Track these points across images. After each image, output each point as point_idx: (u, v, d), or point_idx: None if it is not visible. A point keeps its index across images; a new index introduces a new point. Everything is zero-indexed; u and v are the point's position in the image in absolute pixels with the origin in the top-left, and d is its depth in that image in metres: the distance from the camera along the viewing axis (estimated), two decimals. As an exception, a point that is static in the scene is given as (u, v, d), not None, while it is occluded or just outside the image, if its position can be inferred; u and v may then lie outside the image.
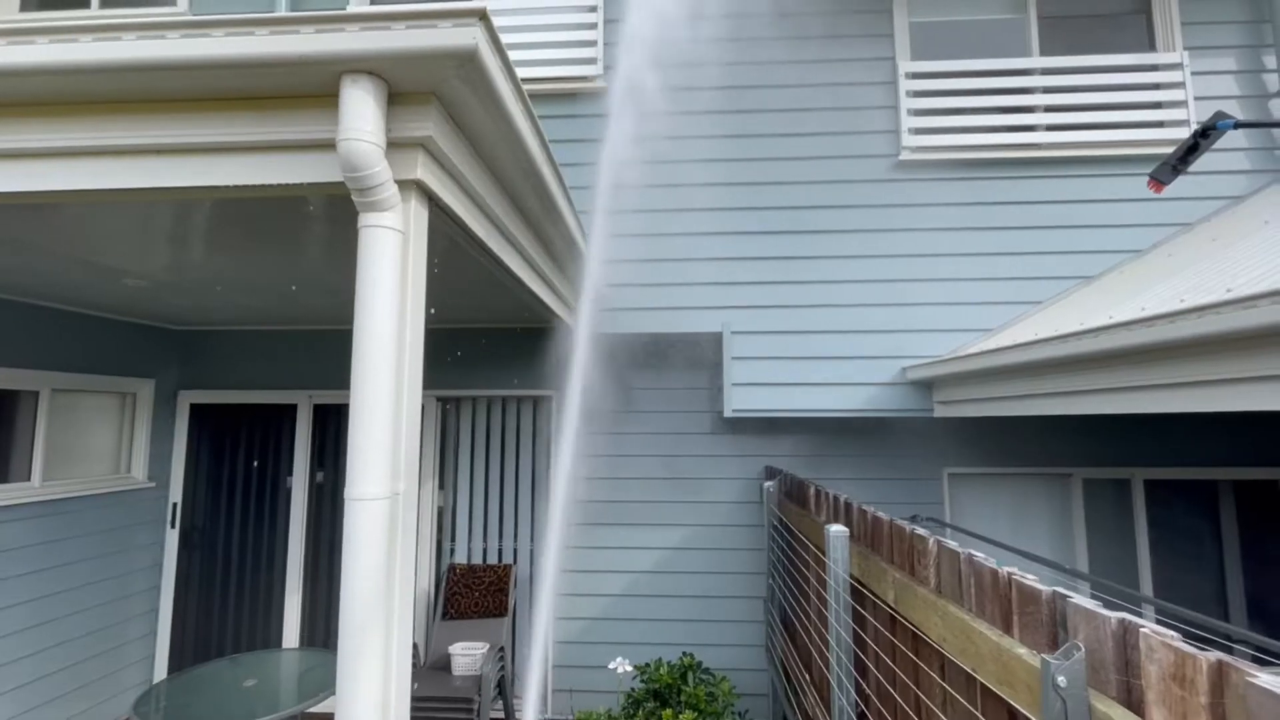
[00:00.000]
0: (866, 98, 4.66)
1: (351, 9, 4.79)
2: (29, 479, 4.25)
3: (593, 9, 4.82)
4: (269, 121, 1.67)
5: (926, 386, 4.37)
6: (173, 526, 5.24)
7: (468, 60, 1.53)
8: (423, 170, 1.71)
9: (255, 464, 5.33)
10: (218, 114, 1.66)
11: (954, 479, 4.78)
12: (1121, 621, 1.05)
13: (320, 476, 5.29)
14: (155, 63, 1.53)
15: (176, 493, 5.27)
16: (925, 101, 4.61)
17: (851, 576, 2.36)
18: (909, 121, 4.58)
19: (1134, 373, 2.35)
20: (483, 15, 1.48)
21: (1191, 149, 2.55)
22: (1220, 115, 2.52)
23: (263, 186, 1.69)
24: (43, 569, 4.22)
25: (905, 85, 4.61)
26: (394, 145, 1.65)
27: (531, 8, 4.85)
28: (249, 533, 5.28)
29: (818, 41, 4.68)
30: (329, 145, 1.63)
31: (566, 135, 4.37)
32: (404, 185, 1.69)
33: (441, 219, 1.93)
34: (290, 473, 5.27)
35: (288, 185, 1.70)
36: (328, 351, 5.16)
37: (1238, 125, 2.42)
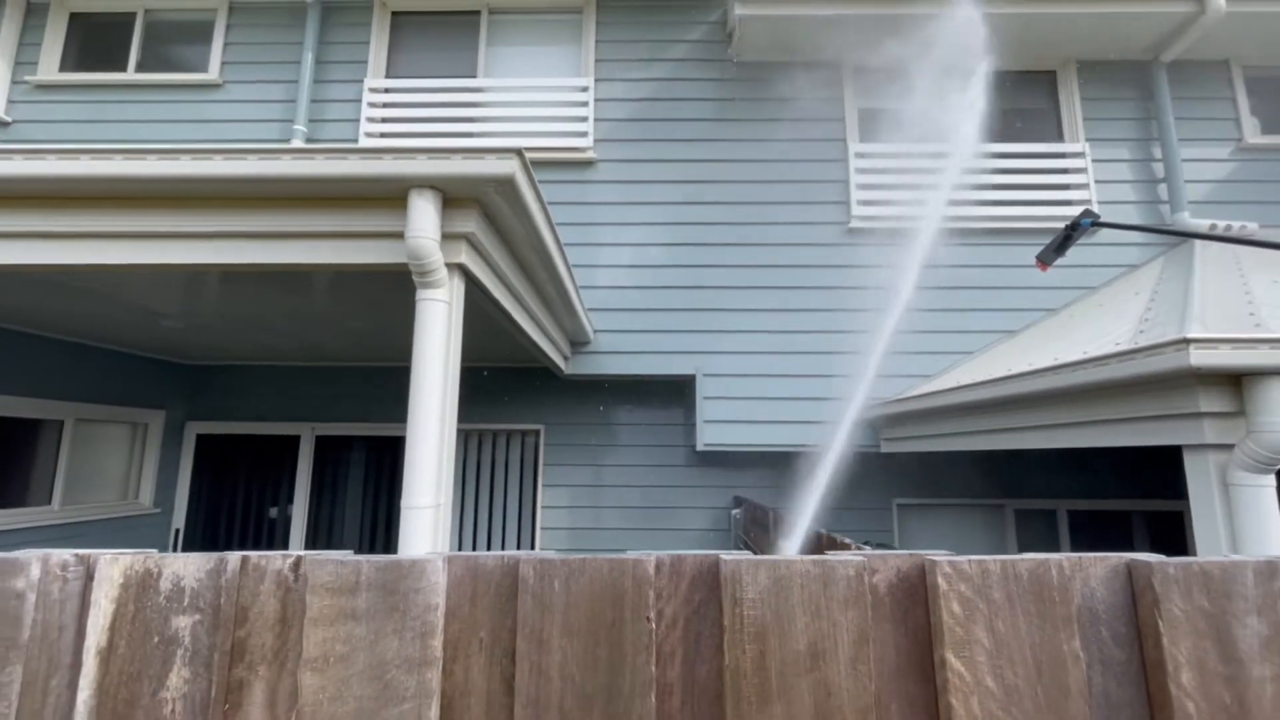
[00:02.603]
0: (822, 173, 5.36)
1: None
2: (49, 503, 4.54)
3: (584, 89, 5.49)
4: (349, 218, 2.19)
5: (874, 425, 4.95)
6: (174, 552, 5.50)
7: (506, 182, 2.08)
8: (465, 256, 2.24)
9: (257, 492, 5.65)
10: (311, 211, 2.18)
11: (902, 509, 5.33)
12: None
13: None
14: (270, 176, 2.05)
15: (180, 519, 5.56)
16: (871, 177, 5.33)
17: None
18: (858, 194, 5.28)
19: (1023, 415, 2.94)
20: (519, 153, 2.04)
21: (1065, 239, 3.21)
22: (1086, 213, 3.18)
23: (341, 266, 2.20)
24: (56, 589, 4.47)
25: (855, 163, 5.33)
26: (445, 238, 2.18)
27: (533, 86, 5.50)
28: (246, 558, 5.55)
29: (781, 123, 5.40)
30: (394, 235, 2.16)
31: (563, 198, 4.97)
32: (450, 267, 2.22)
33: (474, 291, 2.46)
34: (291, 501, 5.60)
35: (361, 265, 2.21)
36: (331, 386, 5.57)
37: (1094, 224, 3.08)
